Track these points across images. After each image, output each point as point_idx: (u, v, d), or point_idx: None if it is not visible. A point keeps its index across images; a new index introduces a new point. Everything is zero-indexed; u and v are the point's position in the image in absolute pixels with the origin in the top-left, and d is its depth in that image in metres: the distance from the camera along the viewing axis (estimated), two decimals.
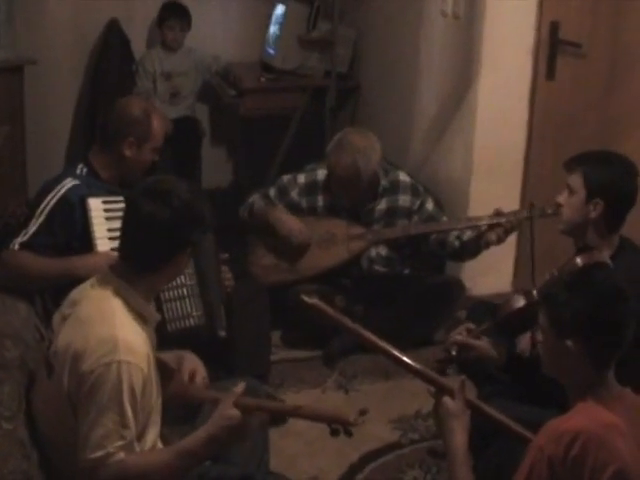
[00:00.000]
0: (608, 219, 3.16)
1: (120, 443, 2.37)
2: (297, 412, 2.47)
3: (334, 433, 2.40)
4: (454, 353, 3.12)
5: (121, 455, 2.37)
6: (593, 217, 3.15)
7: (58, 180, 3.38)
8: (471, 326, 3.21)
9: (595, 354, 2.24)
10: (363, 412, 2.38)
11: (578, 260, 2.98)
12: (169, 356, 2.86)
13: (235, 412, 2.40)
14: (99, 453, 2.35)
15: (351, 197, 4.28)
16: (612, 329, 2.24)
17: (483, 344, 3.12)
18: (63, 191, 3.32)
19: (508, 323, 3.16)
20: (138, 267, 2.54)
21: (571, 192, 3.22)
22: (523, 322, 3.13)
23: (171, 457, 2.43)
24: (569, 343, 2.24)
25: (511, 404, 2.95)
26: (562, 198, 3.28)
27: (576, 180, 3.20)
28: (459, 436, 2.40)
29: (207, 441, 2.42)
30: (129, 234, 2.57)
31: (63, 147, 5.90)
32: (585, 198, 3.17)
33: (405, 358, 2.56)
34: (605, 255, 3.07)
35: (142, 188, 2.59)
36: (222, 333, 3.39)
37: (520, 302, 3.14)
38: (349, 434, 2.39)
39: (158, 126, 3.50)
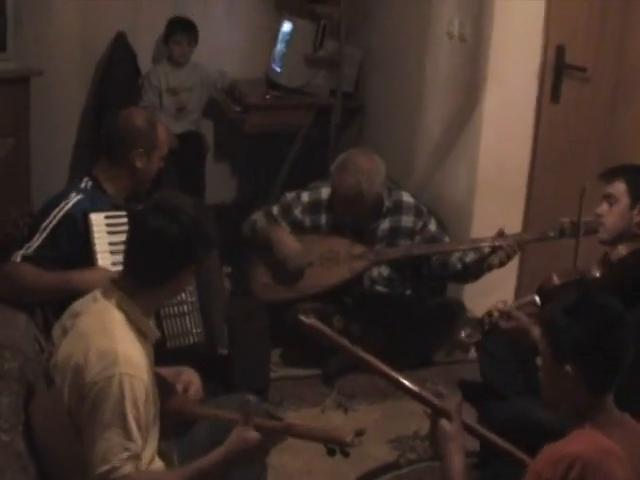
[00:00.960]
0: None
1: (125, 455, 2.35)
2: (292, 431, 2.46)
3: (330, 453, 2.39)
4: (496, 314, 3.11)
5: (128, 468, 2.35)
6: (637, 221, 3.26)
7: (63, 195, 3.38)
8: (507, 301, 3.24)
9: (594, 379, 2.24)
10: (360, 432, 2.38)
11: (621, 248, 3.07)
12: (167, 372, 2.85)
13: (254, 435, 2.39)
14: (105, 468, 2.34)
15: (354, 217, 4.29)
16: (611, 354, 2.23)
17: (524, 316, 3.13)
18: (67, 207, 3.32)
19: (550, 299, 3.16)
20: (141, 282, 2.54)
21: (613, 201, 3.30)
22: None
23: (180, 478, 2.42)
24: (568, 368, 2.23)
25: (531, 407, 2.96)
26: (602, 209, 3.36)
27: (618, 188, 3.30)
28: (456, 458, 2.39)
29: (222, 463, 2.41)
30: (134, 248, 2.57)
31: (68, 159, 5.91)
32: (629, 204, 3.26)
33: (403, 380, 2.55)
34: None
35: (151, 204, 2.59)
36: (224, 351, 3.39)
37: (561, 279, 3.19)
38: (346, 454, 2.38)
39: (163, 133, 3.54)
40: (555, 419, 2.59)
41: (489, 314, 3.19)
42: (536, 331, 3.10)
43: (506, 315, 3.18)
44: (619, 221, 3.35)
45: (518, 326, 3.17)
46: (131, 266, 2.57)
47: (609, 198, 3.38)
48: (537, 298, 3.31)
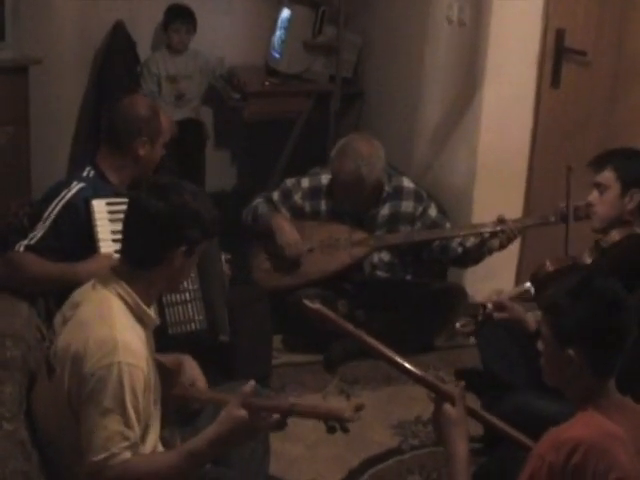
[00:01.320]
0: None
1: (124, 444, 2.36)
2: (292, 409, 2.45)
3: (331, 430, 2.38)
4: (490, 307, 3.12)
5: (126, 455, 2.36)
6: (630, 208, 3.23)
7: (64, 184, 3.37)
8: (503, 290, 3.24)
9: (597, 363, 2.24)
10: (359, 407, 2.37)
11: (614, 233, 3.06)
12: (168, 358, 2.85)
13: (242, 412, 2.38)
14: (103, 455, 2.34)
15: (354, 203, 4.28)
16: (614, 336, 2.24)
17: (517, 306, 3.13)
18: (69, 195, 3.31)
19: (544, 286, 3.17)
20: (134, 264, 2.53)
21: (603, 189, 3.28)
22: None
23: (176, 458, 2.41)
24: (571, 352, 2.24)
25: (532, 398, 2.96)
26: (593, 197, 3.34)
27: (608, 176, 3.28)
28: (460, 443, 2.39)
29: (214, 442, 2.39)
30: (128, 230, 2.58)
31: (67, 148, 5.90)
32: (620, 192, 3.24)
33: (407, 364, 2.55)
34: None
35: (146, 185, 2.59)
36: (225, 338, 3.38)
37: (554, 266, 3.19)
38: (345, 430, 2.37)
39: (165, 121, 3.55)
40: (556, 411, 2.60)
41: (483, 305, 3.19)
42: (530, 320, 3.12)
43: (499, 306, 3.19)
44: (610, 209, 3.32)
45: (512, 317, 3.18)
46: (125, 249, 2.58)
47: (599, 187, 3.35)
48: (529, 285, 3.31)
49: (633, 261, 3.20)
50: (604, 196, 3.32)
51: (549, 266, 3.37)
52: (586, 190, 3.51)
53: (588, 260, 3.28)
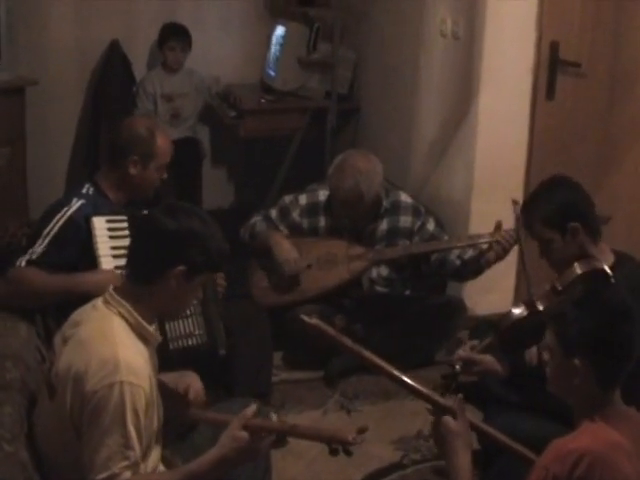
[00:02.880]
0: (589, 231, 3.22)
1: (124, 463, 2.35)
2: (294, 431, 2.45)
3: (333, 452, 2.38)
4: (458, 368, 3.12)
5: (127, 475, 2.36)
6: (579, 241, 3.19)
7: (64, 201, 3.39)
8: (475, 343, 3.22)
9: (602, 373, 2.23)
10: (362, 430, 2.37)
11: (577, 266, 3.00)
12: (170, 377, 2.85)
13: (243, 434, 2.39)
14: (104, 474, 2.34)
15: (353, 218, 4.28)
16: (620, 346, 2.23)
17: (487, 358, 3.14)
18: (70, 212, 3.33)
19: (511, 335, 3.16)
20: (134, 278, 2.54)
21: (545, 244, 3.26)
22: (525, 333, 3.12)
23: (177, 478, 2.42)
24: (576, 362, 2.23)
25: (519, 420, 2.95)
26: (542, 254, 3.30)
27: (541, 232, 3.26)
28: (462, 456, 2.39)
29: (215, 463, 2.40)
30: (133, 244, 2.61)
31: (64, 168, 5.92)
32: (560, 236, 3.20)
33: (405, 378, 2.55)
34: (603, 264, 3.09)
35: (160, 207, 2.61)
36: (222, 351, 3.39)
37: (520, 311, 3.15)
38: (349, 454, 2.37)
39: (163, 144, 3.51)
40: (542, 430, 2.61)
41: (452, 366, 3.18)
42: (500, 368, 3.13)
43: (469, 361, 3.18)
44: (562, 255, 3.22)
45: (485, 369, 3.18)
46: (129, 264, 2.59)
47: (541, 243, 3.29)
48: (493, 338, 3.26)
49: None
50: (550, 248, 3.26)
51: (514, 313, 3.28)
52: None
53: (540, 307, 3.13)
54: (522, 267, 3.52)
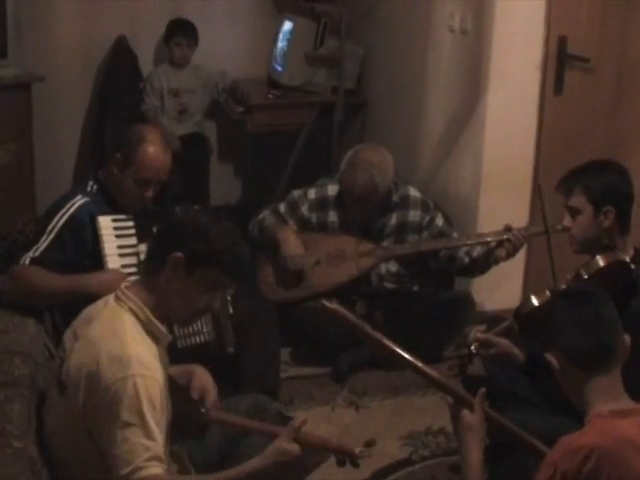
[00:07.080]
0: (620, 222, 3.22)
1: (146, 455, 2.32)
2: (301, 439, 2.43)
3: (340, 463, 2.40)
4: (474, 349, 3.11)
5: (154, 470, 2.32)
6: (606, 226, 3.18)
7: (68, 198, 3.39)
8: (484, 326, 3.23)
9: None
10: (370, 444, 2.37)
11: (599, 259, 3.02)
12: (178, 371, 2.83)
13: (295, 447, 2.38)
14: (127, 469, 2.31)
15: (365, 212, 4.27)
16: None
17: (504, 341, 3.12)
18: (73, 209, 3.33)
19: (528, 322, 3.15)
20: (143, 272, 2.57)
21: (575, 212, 3.23)
22: (542, 321, 3.11)
23: None
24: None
25: (528, 415, 2.95)
26: (567, 221, 3.29)
27: (578, 199, 3.22)
28: (474, 449, 2.38)
29: (256, 473, 2.39)
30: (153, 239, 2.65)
31: (71, 164, 5.92)
32: (593, 212, 3.19)
33: (425, 368, 2.53)
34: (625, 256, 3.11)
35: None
36: (230, 349, 3.39)
37: (538, 300, 3.16)
38: (355, 465, 2.38)
39: (145, 157, 3.38)
40: (552, 425, 2.60)
41: (468, 346, 3.17)
42: (518, 351, 3.13)
43: (486, 343, 3.17)
44: (586, 231, 3.23)
45: (500, 351, 3.17)
46: (145, 259, 2.62)
47: (571, 211, 3.30)
48: (512, 322, 3.27)
49: (617, 290, 3.15)
50: (578, 219, 3.26)
51: (534, 302, 3.29)
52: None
53: None
54: (548, 253, 3.51)
